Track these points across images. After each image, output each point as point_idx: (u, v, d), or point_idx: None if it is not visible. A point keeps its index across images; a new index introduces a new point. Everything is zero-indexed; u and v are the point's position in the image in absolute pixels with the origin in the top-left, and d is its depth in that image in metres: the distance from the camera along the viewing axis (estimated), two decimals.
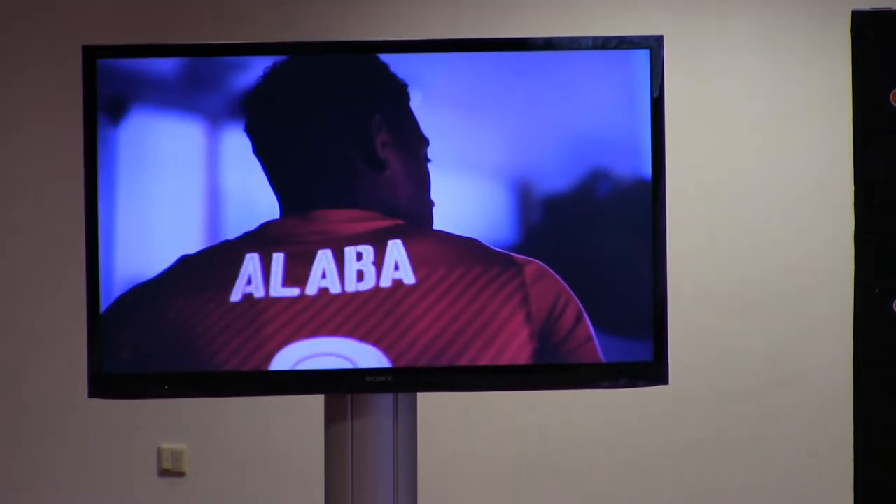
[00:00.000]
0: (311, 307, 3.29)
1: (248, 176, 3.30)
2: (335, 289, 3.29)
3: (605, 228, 3.33)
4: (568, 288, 3.28)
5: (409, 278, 3.28)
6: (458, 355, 3.28)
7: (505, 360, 3.28)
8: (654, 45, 3.34)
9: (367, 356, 3.28)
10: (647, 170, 3.32)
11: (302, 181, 3.30)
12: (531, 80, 3.32)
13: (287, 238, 3.30)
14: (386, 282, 3.28)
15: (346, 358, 3.30)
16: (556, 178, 3.32)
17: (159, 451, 5.43)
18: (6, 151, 5.45)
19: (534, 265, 3.28)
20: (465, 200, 3.31)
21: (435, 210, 3.31)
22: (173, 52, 3.33)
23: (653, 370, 3.35)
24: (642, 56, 3.33)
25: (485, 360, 3.28)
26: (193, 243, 3.30)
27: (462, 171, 3.32)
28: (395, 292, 3.29)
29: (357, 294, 3.28)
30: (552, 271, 3.27)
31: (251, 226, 3.30)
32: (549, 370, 3.34)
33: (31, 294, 5.43)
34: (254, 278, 3.29)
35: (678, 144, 4.93)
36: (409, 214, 3.30)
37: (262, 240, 3.30)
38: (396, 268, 3.29)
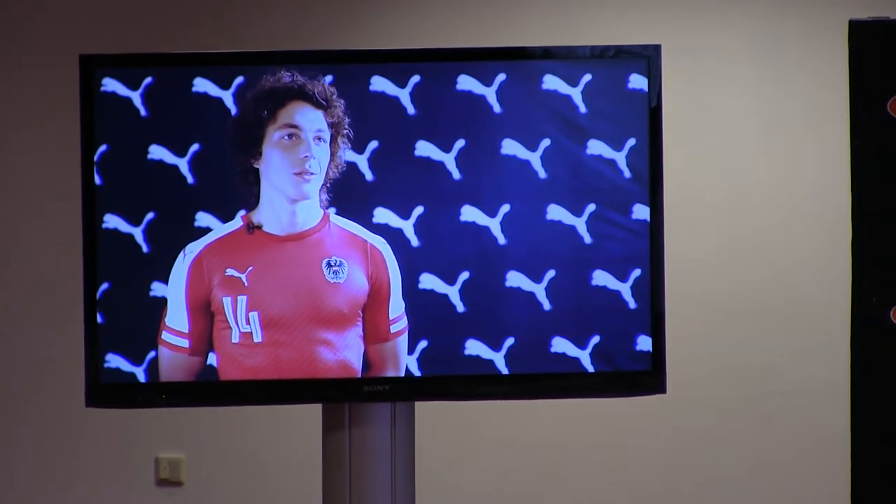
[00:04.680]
0: None
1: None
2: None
3: (602, 236, 3.33)
4: None
5: None
6: None
7: None
8: (651, 55, 3.34)
9: None
10: (644, 179, 3.33)
11: None
12: (528, 89, 3.33)
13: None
14: None
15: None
16: (552, 186, 3.32)
17: (157, 461, 5.42)
18: (7, 154, 5.44)
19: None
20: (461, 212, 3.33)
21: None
22: (172, 61, 3.33)
23: (650, 380, 3.35)
24: (640, 65, 3.33)
25: None
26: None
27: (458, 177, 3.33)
28: None
29: None
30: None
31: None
32: (547, 379, 3.34)
33: (29, 302, 5.43)
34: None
35: (675, 153, 4.93)
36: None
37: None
38: None
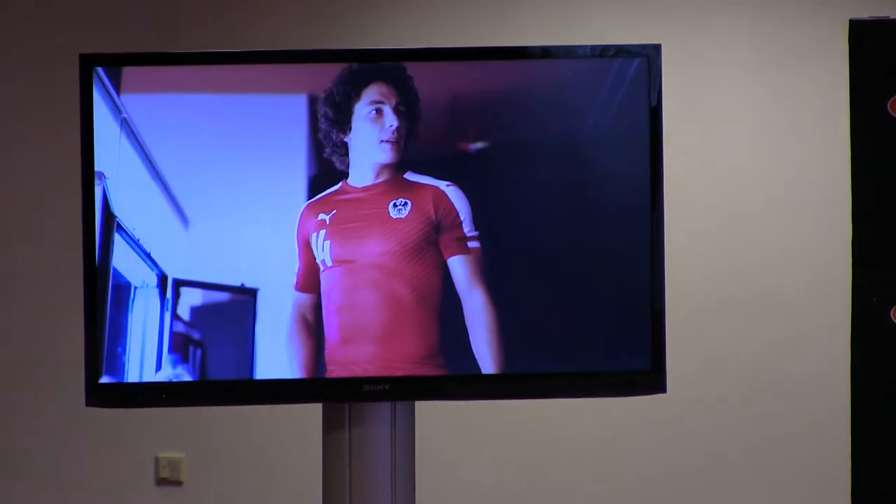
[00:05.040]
0: None
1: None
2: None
3: (602, 236, 3.33)
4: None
5: None
6: None
7: None
8: (651, 54, 3.33)
9: None
10: (644, 178, 3.32)
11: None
12: (528, 88, 3.32)
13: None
14: None
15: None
16: (552, 185, 3.32)
17: (156, 460, 5.42)
18: (7, 153, 5.44)
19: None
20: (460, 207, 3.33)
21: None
22: (171, 60, 3.33)
23: (650, 379, 3.35)
24: (640, 65, 3.33)
25: None
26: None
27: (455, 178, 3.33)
28: None
29: None
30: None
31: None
32: (547, 379, 3.34)
33: (29, 302, 5.43)
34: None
35: (676, 151, 4.93)
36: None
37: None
38: None
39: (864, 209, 3.31)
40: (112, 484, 5.44)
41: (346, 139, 3.34)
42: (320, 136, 3.35)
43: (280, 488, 5.39)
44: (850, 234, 3.29)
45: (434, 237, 3.34)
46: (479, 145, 3.34)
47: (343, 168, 3.35)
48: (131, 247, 3.33)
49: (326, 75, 3.33)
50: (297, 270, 3.34)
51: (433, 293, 3.33)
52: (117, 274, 3.32)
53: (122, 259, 3.32)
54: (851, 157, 3.29)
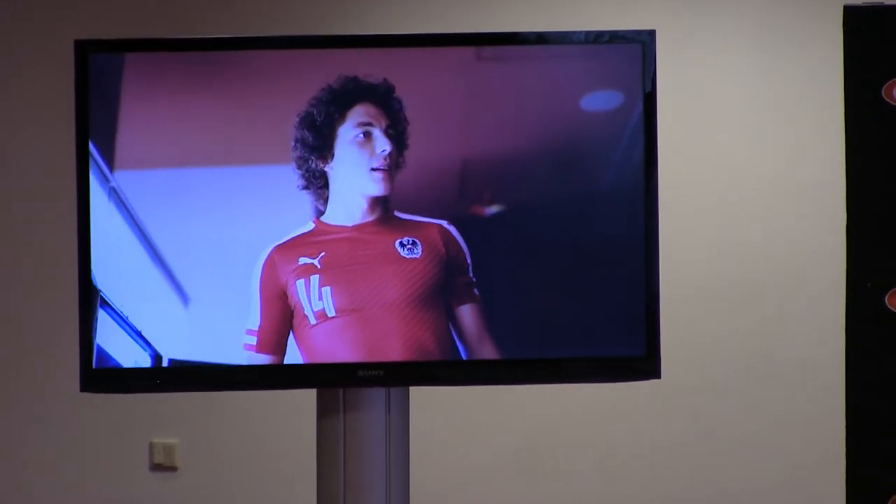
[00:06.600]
0: None
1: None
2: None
3: (596, 223, 3.32)
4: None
5: None
6: None
7: None
8: (646, 40, 3.33)
9: None
10: (639, 165, 3.32)
11: None
12: (522, 75, 3.32)
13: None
14: None
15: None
16: (547, 173, 3.31)
17: (151, 446, 5.43)
18: (5, 148, 5.44)
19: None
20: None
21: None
22: (168, 46, 3.32)
23: (645, 364, 3.35)
24: (635, 51, 3.32)
25: None
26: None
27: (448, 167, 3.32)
28: None
29: None
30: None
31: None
32: (541, 364, 3.34)
33: (24, 288, 5.42)
34: None
35: (669, 139, 4.92)
36: None
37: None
38: None
39: (858, 195, 3.31)
40: (106, 469, 5.44)
41: (325, 168, 3.17)
42: (294, 165, 3.15)
43: (274, 473, 5.40)
44: (844, 220, 3.29)
45: (444, 279, 3.22)
46: (480, 193, 3.25)
47: (319, 203, 3.20)
48: (119, 324, 3.22)
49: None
50: (256, 329, 3.20)
51: (448, 341, 3.23)
52: (103, 354, 3.24)
53: (109, 338, 3.23)
54: (846, 143, 3.29)
